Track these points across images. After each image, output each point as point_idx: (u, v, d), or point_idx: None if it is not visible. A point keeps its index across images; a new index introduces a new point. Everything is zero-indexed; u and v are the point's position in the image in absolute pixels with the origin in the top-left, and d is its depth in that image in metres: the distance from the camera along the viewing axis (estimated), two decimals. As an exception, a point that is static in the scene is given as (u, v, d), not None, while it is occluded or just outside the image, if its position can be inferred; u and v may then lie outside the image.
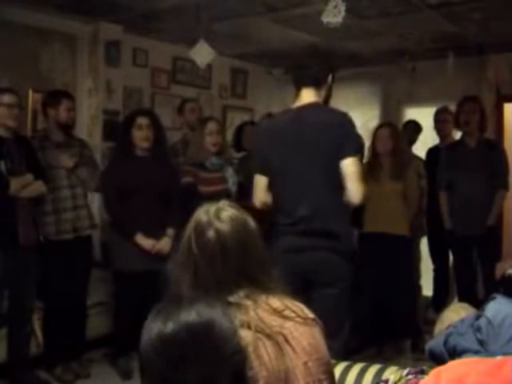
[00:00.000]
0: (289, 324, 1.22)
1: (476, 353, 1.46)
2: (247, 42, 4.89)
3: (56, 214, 3.40)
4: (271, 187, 2.64)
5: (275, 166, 2.58)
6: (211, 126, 3.67)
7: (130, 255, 3.45)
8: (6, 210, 3.06)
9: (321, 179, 2.47)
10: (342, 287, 2.53)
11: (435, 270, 4.71)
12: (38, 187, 3.20)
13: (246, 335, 1.15)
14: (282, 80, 5.66)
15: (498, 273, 2.94)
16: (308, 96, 2.60)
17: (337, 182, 2.47)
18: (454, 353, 1.52)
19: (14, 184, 3.06)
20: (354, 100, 5.66)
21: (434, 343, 1.63)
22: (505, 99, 5.06)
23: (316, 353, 1.22)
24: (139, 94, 4.86)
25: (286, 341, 1.20)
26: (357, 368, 1.76)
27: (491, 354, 1.39)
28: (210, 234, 1.29)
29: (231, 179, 3.71)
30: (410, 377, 1.47)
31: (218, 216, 1.32)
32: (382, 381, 1.60)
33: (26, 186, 3.12)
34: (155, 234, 3.49)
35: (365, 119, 5.54)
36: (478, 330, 1.49)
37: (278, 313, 1.24)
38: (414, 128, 4.69)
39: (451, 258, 4.39)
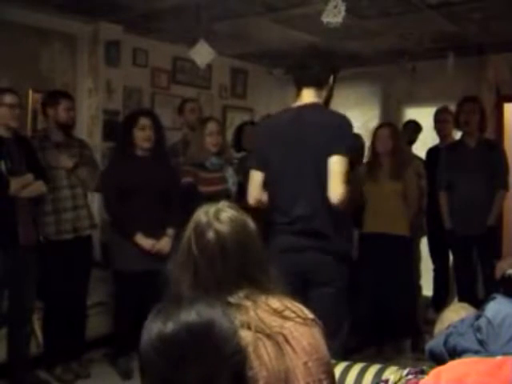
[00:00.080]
0: (289, 324, 1.23)
1: (476, 353, 1.46)
2: (247, 42, 4.89)
3: (56, 214, 3.40)
4: (268, 185, 2.63)
5: (273, 163, 2.58)
6: (211, 127, 3.67)
7: (130, 255, 3.45)
8: (6, 210, 3.06)
9: (318, 179, 2.46)
10: (339, 286, 2.53)
11: (435, 270, 4.71)
12: (38, 187, 3.20)
13: (246, 335, 1.16)
14: (283, 80, 5.66)
15: (498, 273, 2.94)
16: (308, 96, 2.60)
17: None
18: (454, 353, 1.52)
19: (14, 184, 3.07)
20: (354, 100, 5.66)
21: (434, 343, 1.63)
22: (505, 99, 5.06)
23: (316, 353, 1.22)
24: (139, 93, 4.86)
25: (286, 341, 1.20)
26: (357, 368, 1.76)
27: (491, 353, 1.39)
28: (210, 235, 1.29)
29: (231, 179, 3.71)
30: (410, 377, 1.47)
31: (218, 217, 1.32)
32: (382, 381, 1.60)
33: (26, 185, 3.12)
34: (155, 233, 3.49)
35: (365, 119, 5.55)
36: (478, 330, 1.49)
37: (277, 313, 1.24)
38: (414, 128, 4.69)
39: (451, 258, 4.39)
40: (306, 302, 1.33)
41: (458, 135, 4.34)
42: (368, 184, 3.90)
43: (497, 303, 1.54)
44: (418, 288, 4.39)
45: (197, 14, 3.87)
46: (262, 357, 1.16)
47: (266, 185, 2.64)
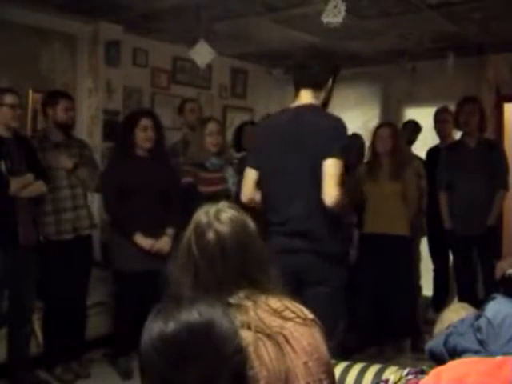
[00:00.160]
0: (289, 324, 1.23)
1: (476, 353, 1.46)
2: (247, 42, 4.89)
3: (56, 214, 3.40)
4: (262, 185, 2.63)
5: (268, 163, 2.58)
6: (211, 127, 3.67)
7: (130, 255, 3.45)
8: (6, 210, 3.06)
9: (312, 180, 2.46)
10: (334, 286, 2.52)
11: (435, 270, 4.71)
12: (38, 187, 3.20)
13: (246, 335, 1.16)
14: (282, 80, 5.66)
15: (498, 273, 2.94)
16: (306, 97, 2.60)
17: None
18: (454, 353, 1.52)
19: (15, 184, 3.07)
20: (354, 100, 5.67)
21: (434, 343, 1.63)
22: (505, 99, 5.06)
23: (316, 353, 1.22)
24: (139, 93, 4.86)
25: (287, 341, 1.20)
26: (357, 368, 1.76)
27: (491, 353, 1.39)
28: (210, 235, 1.29)
29: (231, 179, 3.71)
30: (410, 377, 1.47)
31: (218, 217, 1.32)
32: (382, 381, 1.60)
33: (26, 185, 3.12)
34: (155, 233, 3.49)
35: (365, 119, 5.55)
36: (478, 330, 1.49)
37: (277, 313, 1.24)
38: (414, 128, 4.69)
39: (451, 257, 4.39)
40: (302, 302, 1.33)
41: (458, 135, 4.34)
42: (368, 184, 3.90)
43: (497, 303, 1.53)
44: (418, 288, 4.39)
45: (197, 14, 3.87)
46: (262, 357, 1.16)
47: (259, 184, 2.64)
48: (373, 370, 1.73)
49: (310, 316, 1.28)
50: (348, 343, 3.25)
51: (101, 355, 3.80)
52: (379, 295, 3.87)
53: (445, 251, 4.49)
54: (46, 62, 4.25)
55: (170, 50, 5.04)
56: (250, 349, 1.15)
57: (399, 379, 1.49)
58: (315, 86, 2.59)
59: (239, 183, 3.68)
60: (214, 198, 1.54)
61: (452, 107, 4.32)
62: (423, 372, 1.45)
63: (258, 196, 2.64)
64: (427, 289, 4.61)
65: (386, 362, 2.52)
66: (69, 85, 4.35)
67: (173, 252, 1.41)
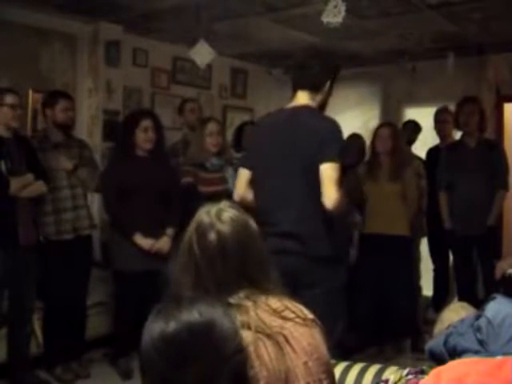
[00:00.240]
0: (289, 324, 1.23)
1: (476, 353, 1.46)
2: (247, 42, 4.89)
3: (56, 214, 3.40)
4: (255, 185, 2.62)
5: (261, 163, 2.58)
6: (211, 127, 3.68)
7: (130, 255, 3.45)
8: (6, 210, 3.06)
9: (304, 182, 2.45)
10: (330, 286, 2.49)
11: (435, 270, 4.71)
12: (38, 187, 3.20)
13: (246, 335, 1.16)
14: (282, 80, 5.66)
15: (498, 273, 2.94)
16: (303, 98, 2.58)
17: (318, 186, 2.43)
18: (454, 353, 1.52)
19: (15, 184, 3.07)
20: (354, 100, 5.67)
21: (434, 343, 1.63)
22: (505, 99, 5.06)
23: (316, 353, 1.22)
24: (139, 93, 4.86)
25: (287, 341, 1.20)
26: (357, 368, 1.76)
27: (491, 354, 1.39)
28: (212, 236, 1.29)
29: (231, 179, 3.70)
30: (410, 377, 1.47)
31: (220, 217, 1.32)
32: (382, 381, 1.60)
33: (26, 185, 3.12)
34: (155, 233, 3.49)
35: (365, 119, 5.55)
36: (478, 330, 1.49)
37: (277, 313, 1.24)
38: (414, 128, 4.69)
39: (451, 258, 4.39)
40: (300, 303, 1.32)
41: (458, 135, 4.34)
42: (368, 184, 3.90)
43: (497, 303, 1.54)
44: (418, 288, 4.39)
45: (197, 14, 3.87)
46: (262, 357, 1.16)
47: (252, 183, 2.63)
48: (373, 369, 1.73)
49: (310, 316, 1.28)
50: (348, 343, 3.25)
51: (101, 355, 3.80)
52: (379, 295, 3.87)
53: (445, 251, 4.49)
54: (46, 62, 4.25)
55: (170, 50, 5.04)
56: (250, 349, 1.15)
57: (399, 379, 1.49)
58: (312, 88, 2.58)
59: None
60: (214, 198, 1.53)
61: (452, 107, 4.32)
62: (423, 372, 1.45)
63: (250, 195, 2.63)
64: (427, 289, 4.61)
65: (386, 361, 2.52)
66: (69, 85, 4.35)
67: (173, 252, 1.41)
